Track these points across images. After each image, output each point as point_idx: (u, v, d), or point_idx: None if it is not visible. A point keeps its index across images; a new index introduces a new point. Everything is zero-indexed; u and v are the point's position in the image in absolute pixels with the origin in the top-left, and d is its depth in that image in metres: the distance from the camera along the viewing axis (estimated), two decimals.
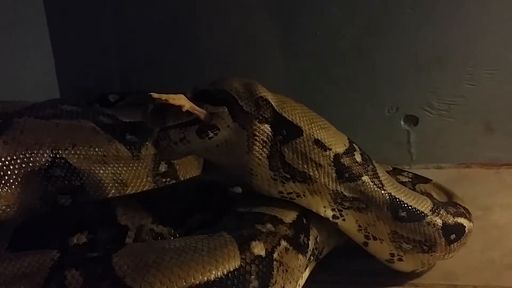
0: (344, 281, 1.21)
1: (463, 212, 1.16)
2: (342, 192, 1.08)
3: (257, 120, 1.03)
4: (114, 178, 1.32)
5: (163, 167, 1.44)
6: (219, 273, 0.83)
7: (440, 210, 1.12)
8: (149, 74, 2.02)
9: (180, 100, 0.98)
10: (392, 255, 1.13)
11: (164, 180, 1.44)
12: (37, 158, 1.20)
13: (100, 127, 1.35)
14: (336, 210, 1.09)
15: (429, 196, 1.22)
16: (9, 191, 1.15)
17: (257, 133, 1.03)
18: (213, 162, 1.12)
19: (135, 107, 1.53)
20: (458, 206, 1.18)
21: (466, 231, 1.15)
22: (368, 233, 1.11)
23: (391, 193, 1.09)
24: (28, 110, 1.27)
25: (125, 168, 1.35)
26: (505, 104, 1.75)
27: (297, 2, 1.83)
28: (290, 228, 1.02)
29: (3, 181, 1.14)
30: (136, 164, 1.38)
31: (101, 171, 1.30)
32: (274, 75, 1.90)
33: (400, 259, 1.14)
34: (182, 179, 1.49)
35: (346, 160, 1.07)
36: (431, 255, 1.13)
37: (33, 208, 1.17)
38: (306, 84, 1.89)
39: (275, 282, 0.93)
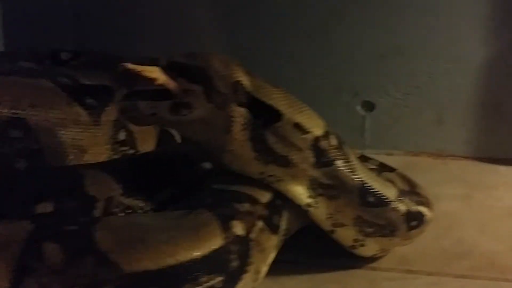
0: (304, 262, 1.22)
1: (425, 201, 1.20)
2: (318, 177, 1.08)
3: (234, 103, 1.01)
4: (73, 143, 1.25)
5: (122, 135, 1.38)
6: (205, 251, 0.82)
7: (405, 197, 1.15)
8: (110, 33, 1.91)
9: (155, 73, 0.96)
10: (356, 240, 1.15)
11: (122, 148, 1.38)
12: None
13: (60, 88, 1.26)
14: (312, 197, 1.09)
15: (393, 183, 1.25)
16: None
17: (234, 115, 1.01)
18: (188, 138, 1.09)
19: (96, 69, 1.45)
20: (420, 195, 1.22)
21: (427, 219, 1.19)
22: (336, 220, 1.12)
23: (361, 178, 1.10)
24: None
25: (84, 133, 1.28)
26: (457, 98, 1.81)
27: None
28: (266, 208, 1.02)
29: None
30: (95, 130, 1.31)
31: (60, 135, 1.23)
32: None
33: (362, 245, 1.16)
34: (140, 148, 1.44)
35: (323, 144, 1.07)
36: (391, 240, 1.16)
37: None
38: (262, 61, 1.87)
39: (252, 262, 0.93)
